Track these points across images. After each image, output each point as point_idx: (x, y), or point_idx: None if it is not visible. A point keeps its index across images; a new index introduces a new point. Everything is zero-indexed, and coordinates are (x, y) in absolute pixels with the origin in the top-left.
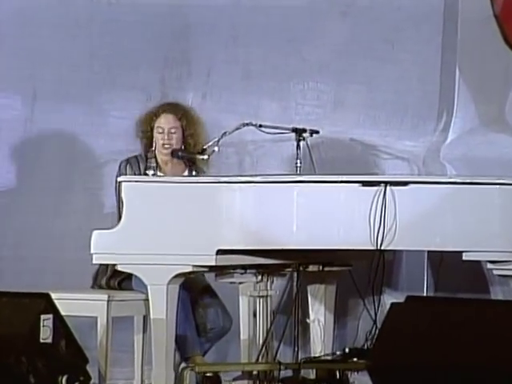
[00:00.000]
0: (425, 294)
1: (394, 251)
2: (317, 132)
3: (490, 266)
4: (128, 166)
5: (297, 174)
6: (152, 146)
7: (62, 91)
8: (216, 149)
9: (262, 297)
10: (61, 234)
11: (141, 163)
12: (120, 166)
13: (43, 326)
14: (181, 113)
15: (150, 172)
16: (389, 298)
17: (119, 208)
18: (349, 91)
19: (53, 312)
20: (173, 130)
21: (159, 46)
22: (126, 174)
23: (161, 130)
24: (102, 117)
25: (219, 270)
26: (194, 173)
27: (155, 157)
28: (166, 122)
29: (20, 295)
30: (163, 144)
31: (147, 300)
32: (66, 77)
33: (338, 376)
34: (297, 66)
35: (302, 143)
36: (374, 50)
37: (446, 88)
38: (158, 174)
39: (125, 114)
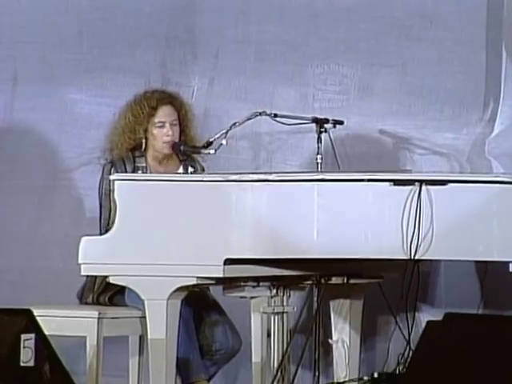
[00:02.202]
0: (466, 311)
1: (431, 261)
2: (341, 122)
3: None
4: (112, 168)
5: (318, 172)
6: (141, 146)
7: (46, 74)
8: (224, 142)
9: (278, 313)
10: (44, 241)
11: (127, 164)
12: (103, 170)
13: (24, 347)
14: (178, 102)
15: (139, 173)
16: (425, 316)
17: (100, 213)
18: (379, 75)
19: (35, 331)
20: (174, 123)
21: (159, 23)
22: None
23: (161, 125)
24: (92, 104)
25: (227, 283)
26: (190, 169)
27: (145, 156)
28: (166, 114)
29: None
30: (165, 141)
31: (144, 317)
32: (52, 58)
33: None
34: (318, 46)
35: (323, 135)
36: (409, 26)
37: (492, 71)
38: None
39: (119, 101)
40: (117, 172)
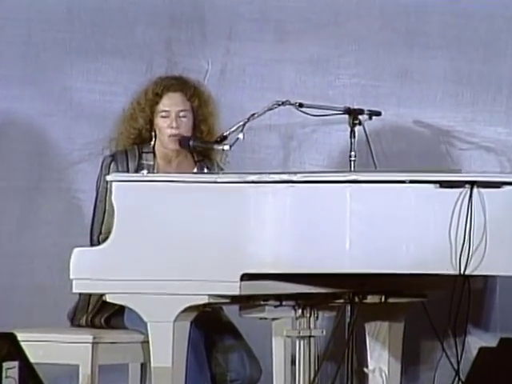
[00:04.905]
0: None
1: (484, 277)
2: (378, 113)
3: None
4: (113, 163)
5: (351, 171)
6: (151, 140)
7: (31, 58)
8: (240, 136)
9: (304, 338)
10: (29, 253)
11: (130, 161)
12: (102, 164)
13: (6, 376)
14: (191, 90)
15: (144, 173)
16: (476, 341)
17: (94, 215)
18: (420, 59)
19: (19, 358)
20: (182, 114)
21: None
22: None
23: (165, 114)
24: (85, 93)
25: (245, 302)
26: (205, 170)
27: (153, 152)
28: (172, 103)
29: None
30: (169, 135)
31: (147, 342)
32: (38, 37)
33: None
34: (348, 25)
35: (357, 129)
36: (454, 2)
37: None
38: None
39: (116, 88)
40: (117, 168)
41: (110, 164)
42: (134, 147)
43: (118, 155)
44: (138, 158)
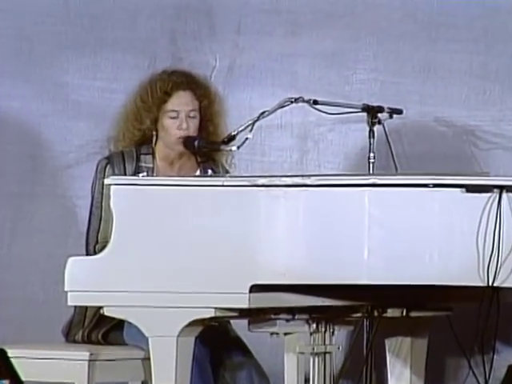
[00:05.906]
0: None
1: None
2: (399, 112)
3: None
4: (108, 166)
5: (369, 174)
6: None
7: (24, 53)
8: (250, 136)
9: (318, 354)
10: (22, 263)
11: (127, 163)
12: (97, 167)
13: None
14: (201, 89)
15: (143, 175)
16: (505, 358)
17: (89, 222)
18: (444, 53)
19: (10, 376)
20: (191, 114)
21: None
22: (104, 179)
23: (174, 115)
24: (82, 90)
25: (254, 315)
26: (209, 172)
27: (153, 153)
28: (182, 102)
29: None
30: (179, 136)
31: (148, 359)
32: (30, 31)
33: None
34: (366, 16)
35: (376, 128)
36: None
37: None
38: None
39: (116, 85)
40: (113, 171)
41: (106, 167)
42: (131, 149)
43: (113, 157)
44: (135, 160)
